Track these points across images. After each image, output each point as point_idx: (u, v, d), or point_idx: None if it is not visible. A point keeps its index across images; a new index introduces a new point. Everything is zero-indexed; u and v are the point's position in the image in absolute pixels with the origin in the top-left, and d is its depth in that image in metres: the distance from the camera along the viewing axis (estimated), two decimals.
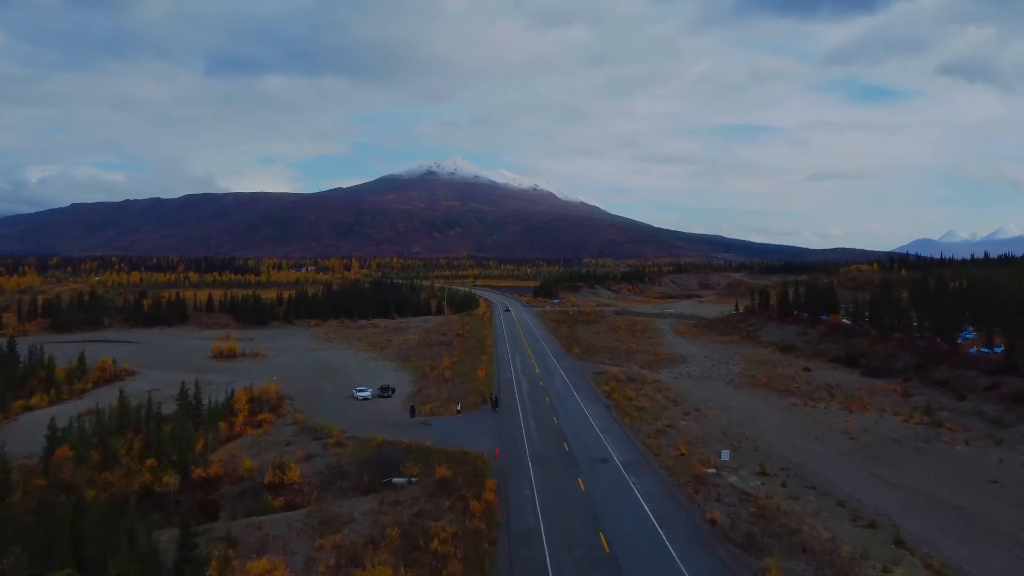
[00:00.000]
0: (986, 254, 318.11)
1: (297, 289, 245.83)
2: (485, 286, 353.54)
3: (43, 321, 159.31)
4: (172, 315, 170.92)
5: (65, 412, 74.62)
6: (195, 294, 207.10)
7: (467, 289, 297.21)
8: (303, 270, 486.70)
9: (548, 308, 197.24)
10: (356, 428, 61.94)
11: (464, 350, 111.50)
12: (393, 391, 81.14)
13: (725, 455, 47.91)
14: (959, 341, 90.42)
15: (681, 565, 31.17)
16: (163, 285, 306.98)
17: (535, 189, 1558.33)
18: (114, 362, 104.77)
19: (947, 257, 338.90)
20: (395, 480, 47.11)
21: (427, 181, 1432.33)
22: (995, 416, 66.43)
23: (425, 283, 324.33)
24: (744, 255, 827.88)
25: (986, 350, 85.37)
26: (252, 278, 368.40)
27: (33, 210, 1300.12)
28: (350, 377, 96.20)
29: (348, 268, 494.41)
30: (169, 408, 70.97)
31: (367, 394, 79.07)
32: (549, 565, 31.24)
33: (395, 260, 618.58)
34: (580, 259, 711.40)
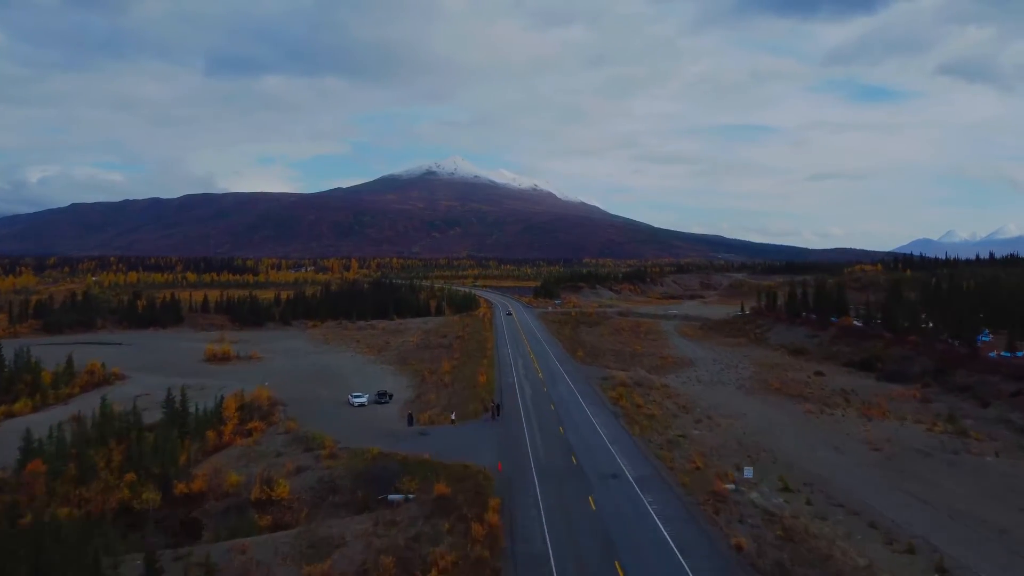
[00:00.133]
0: (991, 254, 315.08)
1: (295, 290, 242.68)
2: (485, 286, 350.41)
3: (34, 322, 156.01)
4: (166, 316, 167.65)
5: (49, 419, 71.38)
6: (190, 295, 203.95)
7: (467, 290, 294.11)
8: (302, 270, 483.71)
9: (550, 309, 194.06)
10: (350, 437, 58.74)
11: (464, 353, 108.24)
12: (390, 397, 77.82)
13: (748, 472, 44.64)
14: (977, 344, 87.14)
15: None
16: (160, 285, 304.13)
17: (535, 189, 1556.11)
18: (103, 365, 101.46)
19: (951, 257, 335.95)
20: (391, 497, 43.92)
21: (427, 181, 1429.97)
22: (1023, 425, 63.20)
23: (425, 283, 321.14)
24: (744, 255, 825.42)
25: (1007, 354, 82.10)
26: (250, 278, 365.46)
27: (33, 210, 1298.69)
28: (346, 382, 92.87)
29: (347, 268, 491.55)
30: (155, 416, 67.82)
31: (363, 400, 75.75)
32: None
33: (395, 260, 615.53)
34: (580, 259, 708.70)
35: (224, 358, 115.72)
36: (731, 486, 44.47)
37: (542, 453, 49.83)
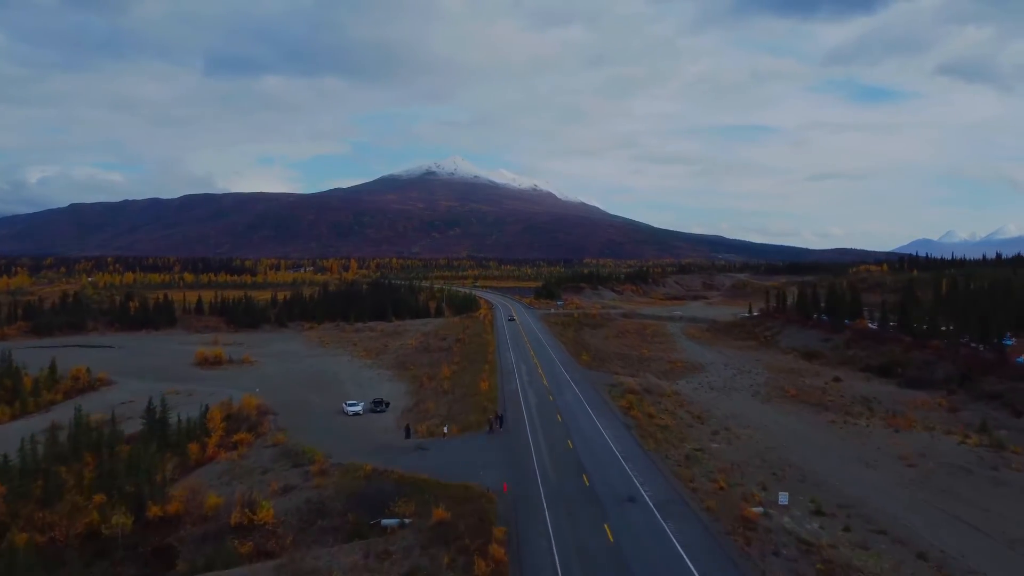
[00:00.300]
0: (998, 254, 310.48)
1: (293, 291, 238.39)
2: (485, 287, 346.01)
3: (23, 324, 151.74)
4: (159, 318, 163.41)
5: (26, 428, 67.52)
6: (184, 295, 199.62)
7: (467, 290, 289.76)
8: (301, 271, 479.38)
9: (552, 310, 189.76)
10: (343, 451, 54.55)
11: (465, 357, 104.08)
12: (387, 405, 73.69)
13: (783, 498, 40.40)
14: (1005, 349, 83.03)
15: None
16: (157, 286, 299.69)
17: (535, 189, 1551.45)
18: (88, 370, 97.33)
19: (957, 257, 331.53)
20: (384, 522, 39.75)
21: (427, 181, 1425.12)
22: None
23: (424, 284, 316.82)
24: (745, 255, 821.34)
25: None
26: (248, 279, 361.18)
27: (32, 210, 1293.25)
28: (341, 388, 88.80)
29: (346, 268, 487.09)
30: (138, 425, 63.81)
31: (358, 409, 71.64)
32: None
33: (394, 260, 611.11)
34: (580, 259, 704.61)
35: (216, 362, 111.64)
36: (759, 509, 40.32)
37: (550, 472, 45.63)
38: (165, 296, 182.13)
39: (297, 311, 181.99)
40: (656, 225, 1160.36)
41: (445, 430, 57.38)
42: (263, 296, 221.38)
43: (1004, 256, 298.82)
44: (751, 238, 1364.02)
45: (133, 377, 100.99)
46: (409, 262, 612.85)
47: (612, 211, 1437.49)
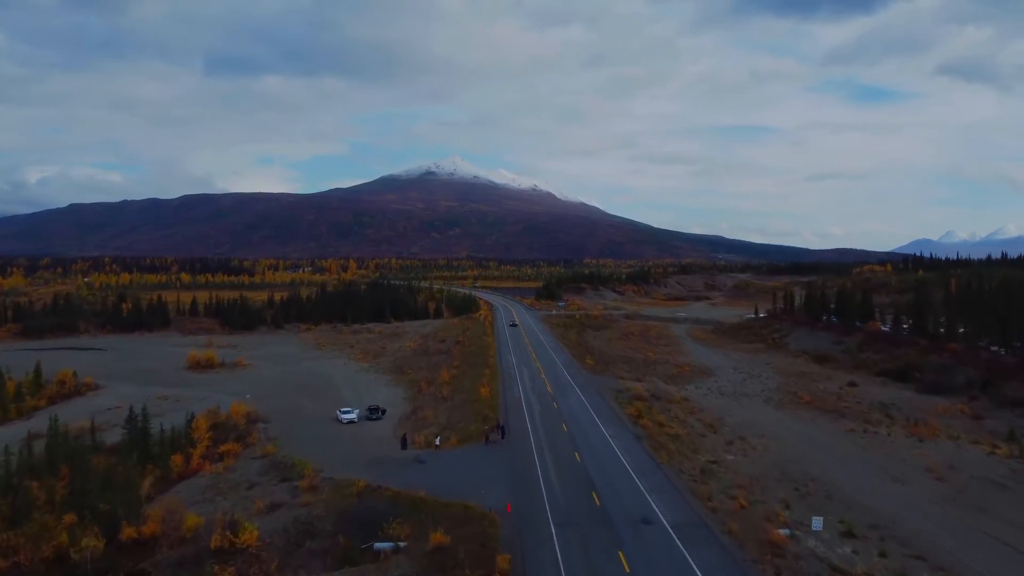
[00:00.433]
0: (1003, 254, 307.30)
1: (290, 291, 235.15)
2: (485, 287, 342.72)
3: (13, 326, 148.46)
4: (153, 319, 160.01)
5: (5, 437, 64.06)
6: (178, 296, 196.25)
7: (467, 291, 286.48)
8: (299, 271, 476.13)
9: (554, 312, 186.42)
10: (335, 463, 51.29)
11: (464, 360, 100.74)
12: (383, 413, 70.30)
13: (817, 524, 36.99)
14: None
15: None
16: (153, 287, 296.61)
17: (535, 189, 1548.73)
18: (75, 374, 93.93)
19: (962, 257, 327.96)
20: (377, 546, 36.51)
21: (426, 181, 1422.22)
22: None
23: (424, 284, 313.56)
24: (745, 255, 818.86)
25: None
26: (246, 279, 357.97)
27: (31, 210, 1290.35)
28: (336, 393, 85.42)
29: (345, 269, 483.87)
30: (120, 435, 60.46)
31: (353, 416, 68.25)
32: None
33: (393, 261, 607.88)
34: (581, 259, 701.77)
35: (208, 365, 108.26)
36: (786, 531, 37.03)
37: (557, 489, 42.29)
38: (159, 297, 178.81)
39: (294, 312, 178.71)
40: (656, 225, 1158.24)
41: (437, 442, 53.76)
42: (260, 297, 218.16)
43: (1009, 256, 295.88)
44: (751, 238, 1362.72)
45: (122, 381, 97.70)
46: (408, 262, 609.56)
47: (612, 211, 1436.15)
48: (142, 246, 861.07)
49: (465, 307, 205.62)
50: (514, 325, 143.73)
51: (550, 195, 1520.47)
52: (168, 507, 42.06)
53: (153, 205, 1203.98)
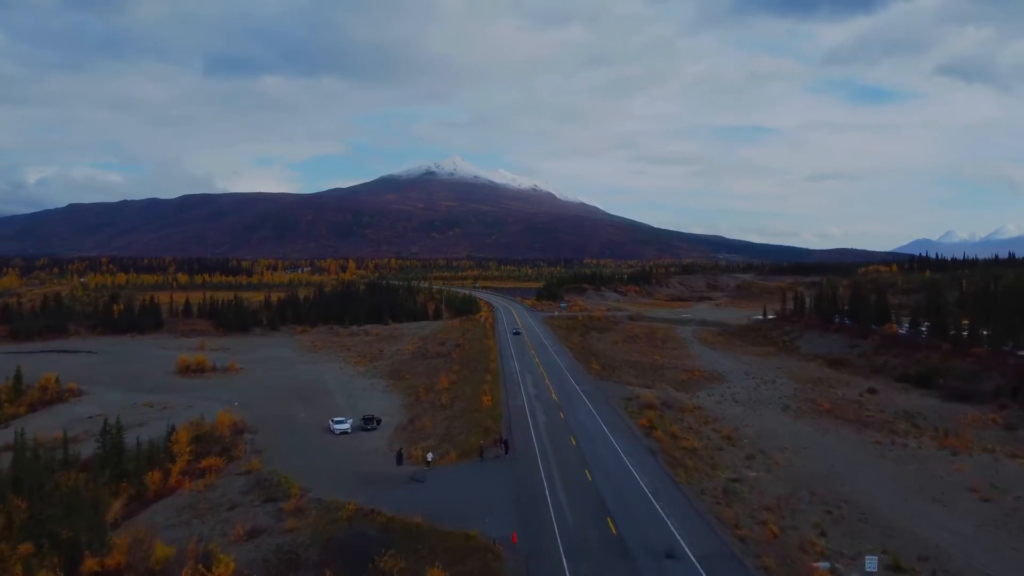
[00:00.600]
0: (1011, 254, 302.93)
1: (287, 291, 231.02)
2: (486, 287, 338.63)
3: (1, 328, 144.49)
4: (145, 321, 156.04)
5: None
6: (171, 297, 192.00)
7: (467, 291, 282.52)
8: (298, 271, 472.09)
9: (556, 313, 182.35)
10: (325, 481, 47.34)
11: (465, 365, 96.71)
12: (378, 423, 66.27)
13: (871, 563, 32.77)
14: None
15: None
16: (150, 287, 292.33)
17: (535, 189, 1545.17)
18: (57, 380, 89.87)
19: (957, 257, 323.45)
20: None
21: (426, 181, 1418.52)
22: None
23: (423, 284, 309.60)
24: (745, 255, 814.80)
25: None
26: (244, 279, 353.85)
27: (31, 211, 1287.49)
28: (330, 400, 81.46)
29: (344, 269, 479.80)
30: (94, 447, 56.40)
31: (346, 427, 64.24)
32: None
33: (393, 261, 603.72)
34: (581, 259, 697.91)
35: (198, 370, 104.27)
36: (825, 565, 33.03)
37: (568, 514, 38.22)
38: (151, 298, 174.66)
39: (290, 314, 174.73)
40: (656, 225, 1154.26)
41: (429, 457, 49.40)
42: (257, 298, 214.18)
43: (1017, 256, 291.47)
44: (751, 238, 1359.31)
45: (107, 386, 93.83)
46: (408, 262, 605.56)
47: (612, 211, 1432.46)
48: (141, 246, 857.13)
49: (465, 308, 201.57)
50: (517, 333, 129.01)
51: (550, 195, 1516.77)
52: (137, 534, 37.99)
53: (152, 205, 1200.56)
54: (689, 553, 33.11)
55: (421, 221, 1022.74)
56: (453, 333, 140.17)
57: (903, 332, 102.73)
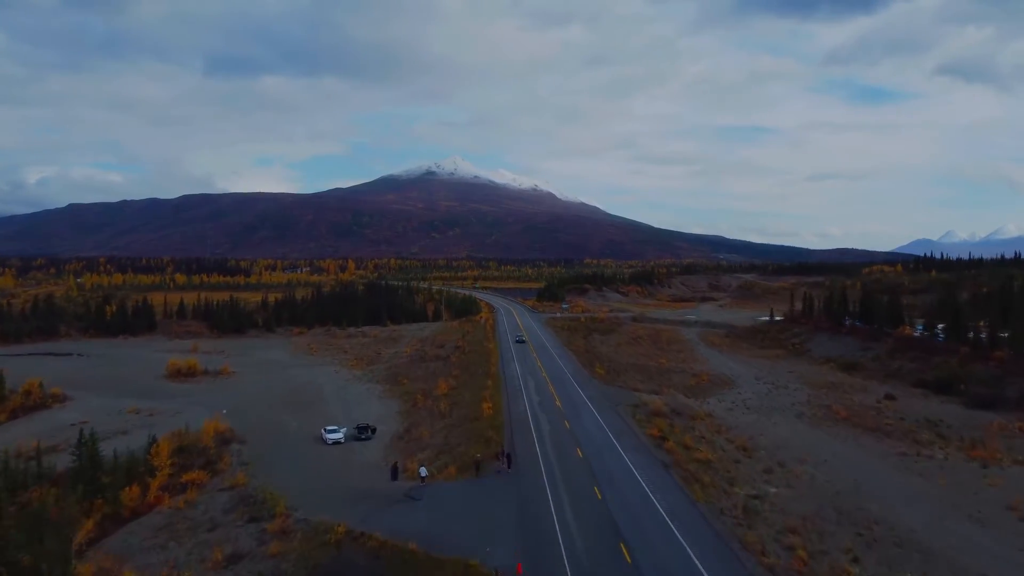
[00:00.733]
0: (1017, 253, 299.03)
1: (285, 292, 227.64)
2: (486, 288, 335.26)
3: None
4: (138, 323, 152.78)
5: None
6: (165, 298, 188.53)
7: (467, 291, 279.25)
8: (297, 271, 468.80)
9: (558, 314, 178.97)
10: (314, 497, 44.08)
11: (464, 369, 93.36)
12: (373, 432, 62.95)
13: None
14: None
15: None
16: (147, 287, 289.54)
17: (535, 189, 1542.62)
18: (41, 385, 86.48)
19: (964, 257, 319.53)
20: None
21: (426, 181, 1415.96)
22: None
23: (423, 285, 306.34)
24: (745, 255, 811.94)
25: None
26: (242, 280, 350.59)
27: (30, 211, 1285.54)
28: (323, 407, 78.10)
29: (344, 269, 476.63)
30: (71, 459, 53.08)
31: (339, 436, 60.91)
32: None
33: (393, 261, 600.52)
34: (581, 259, 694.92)
35: (189, 374, 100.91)
36: None
37: (577, 539, 34.86)
38: (144, 299, 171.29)
39: (287, 315, 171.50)
40: (656, 225, 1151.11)
41: (423, 473, 45.96)
42: (254, 298, 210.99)
43: (1022, 255, 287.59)
44: (751, 238, 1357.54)
45: (93, 391, 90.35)
46: (408, 262, 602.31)
47: (612, 211, 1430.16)
48: (141, 246, 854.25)
49: (465, 309, 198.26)
50: (521, 341, 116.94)
51: (550, 195, 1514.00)
52: (103, 563, 34.68)
53: (152, 205, 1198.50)
54: None
55: (421, 221, 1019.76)
56: (453, 335, 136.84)
57: (917, 335, 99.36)
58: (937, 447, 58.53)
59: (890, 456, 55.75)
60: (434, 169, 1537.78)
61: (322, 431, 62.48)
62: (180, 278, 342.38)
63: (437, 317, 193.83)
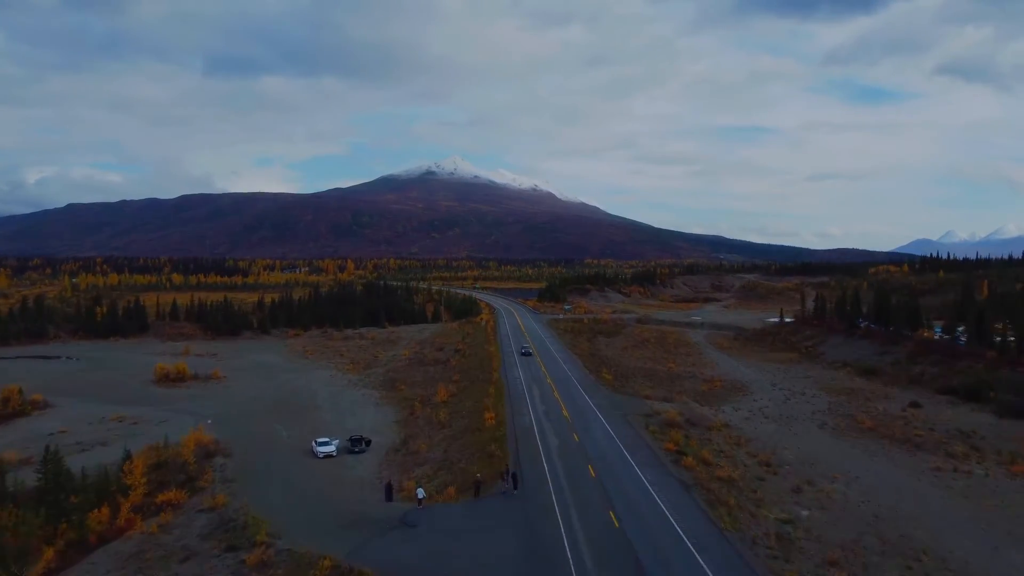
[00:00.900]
0: None
1: (282, 293, 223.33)
2: (486, 288, 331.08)
3: None
4: (129, 325, 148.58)
5: None
6: (157, 299, 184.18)
7: (467, 292, 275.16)
8: (296, 271, 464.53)
9: (561, 316, 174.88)
10: (300, 522, 39.96)
11: (465, 374, 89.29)
12: (367, 444, 58.78)
13: None
14: None
15: None
16: (143, 288, 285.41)
17: (535, 189, 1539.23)
18: (20, 391, 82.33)
19: (964, 258, 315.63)
20: None
21: (426, 181, 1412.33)
22: None
23: (422, 285, 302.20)
24: (746, 255, 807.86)
25: None
26: (240, 280, 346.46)
27: (30, 211, 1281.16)
28: (316, 414, 74.02)
29: (343, 269, 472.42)
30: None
31: (331, 449, 56.74)
32: None
33: (392, 261, 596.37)
34: (581, 259, 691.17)
35: (178, 379, 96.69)
36: None
37: None
38: (136, 300, 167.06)
39: (283, 316, 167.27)
40: (656, 225, 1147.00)
41: (420, 495, 41.82)
42: (251, 299, 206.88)
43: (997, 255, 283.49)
44: (751, 238, 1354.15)
45: (77, 397, 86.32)
46: (408, 263, 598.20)
47: (612, 211, 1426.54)
48: (140, 246, 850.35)
49: (465, 310, 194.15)
50: (527, 354, 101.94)
51: (550, 195, 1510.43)
52: None
53: (152, 205, 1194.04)
54: None
55: (421, 221, 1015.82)
56: (452, 337, 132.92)
57: (937, 338, 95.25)
58: (974, 461, 54.43)
59: (924, 472, 51.65)
60: (434, 169, 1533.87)
61: (313, 443, 58.33)
62: (177, 278, 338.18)
63: (436, 318, 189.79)
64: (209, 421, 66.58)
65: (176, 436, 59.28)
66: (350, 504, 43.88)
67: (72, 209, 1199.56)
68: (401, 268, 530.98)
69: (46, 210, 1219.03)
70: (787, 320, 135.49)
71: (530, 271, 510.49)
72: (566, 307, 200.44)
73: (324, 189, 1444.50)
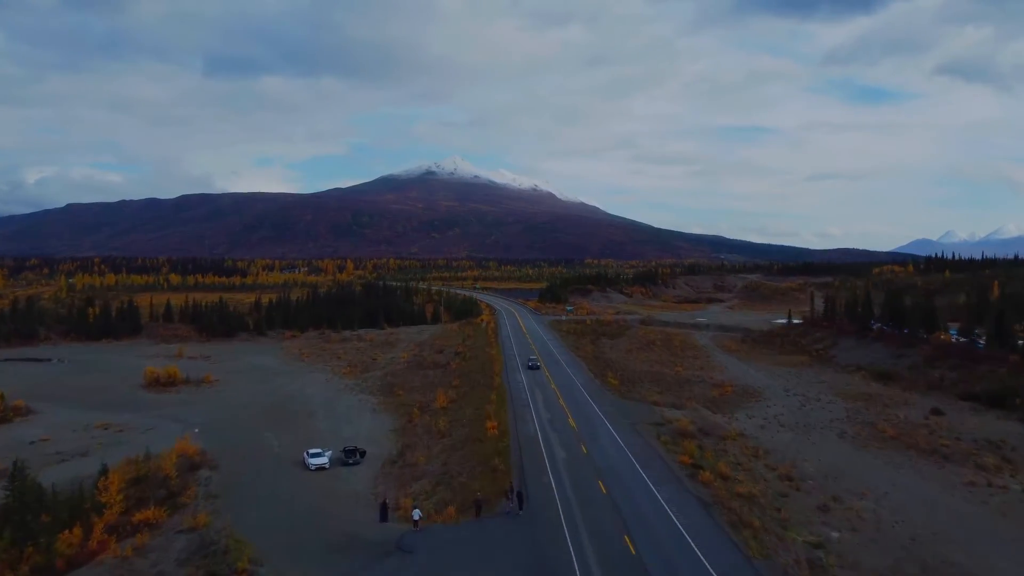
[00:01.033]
0: None
1: (280, 293, 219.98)
2: (486, 289, 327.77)
3: None
4: (122, 326, 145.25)
5: None
6: (151, 300, 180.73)
7: (467, 293, 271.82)
8: (295, 271, 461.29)
9: (563, 317, 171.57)
10: (288, 544, 36.74)
11: (465, 379, 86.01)
12: (362, 455, 55.45)
13: None
14: None
15: None
16: (140, 288, 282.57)
17: (535, 189, 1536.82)
18: (2, 396, 79.01)
19: (989, 257, 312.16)
20: None
21: (426, 181, 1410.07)
22: None
23: (422, 286, 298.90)
24: (746, 255, 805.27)
25: None
26: (238, 280, 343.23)
27: (29, 211, 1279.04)
28: (310, 422, 70.72)
29: (342, 269, 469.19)
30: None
31: (323, 461, 53.41)
32: None
33: (392, 261, 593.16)
34: (581, 259, 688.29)
35: (169, 383, 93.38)
36: None
37: None
38: (130, 301, 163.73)
39: (279, 317, 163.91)
40: (656, 225, 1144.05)
41: (416, 516, 38.40)
42: (247, 299, 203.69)
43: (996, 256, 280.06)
44: (751, 238, 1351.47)
45: (62, 403, 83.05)
46: (407, 263, 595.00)
47: (612, 211, 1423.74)
48: (140, 246, 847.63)
49: (465, 311, 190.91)
50: (534, 368, 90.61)
51: (550, 195, 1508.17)
52: None
53: (151, 205, 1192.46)
54: None
55: (421, 221, 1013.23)
56: (452, 339, 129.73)
57: (955, 340, 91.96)
58: (1007, 474, 51.16)
59: (956, 486, 48.37)
60: (434, 169, 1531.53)
61: (304, 454, 55.01)
62: (175, 279, 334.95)
63: (436, 319, 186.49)
64: (197, 430, 63.21)
65: (162, 445, 55.97)
66: (342, 523, 40.59)
67: (72, 209, 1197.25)
68: (401, 268, 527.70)
69: (46, 210, 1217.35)
70: (795, 321, 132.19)
71: (530, 271, 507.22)
72: (568, 308, 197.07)
73: (324, 189, 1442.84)
